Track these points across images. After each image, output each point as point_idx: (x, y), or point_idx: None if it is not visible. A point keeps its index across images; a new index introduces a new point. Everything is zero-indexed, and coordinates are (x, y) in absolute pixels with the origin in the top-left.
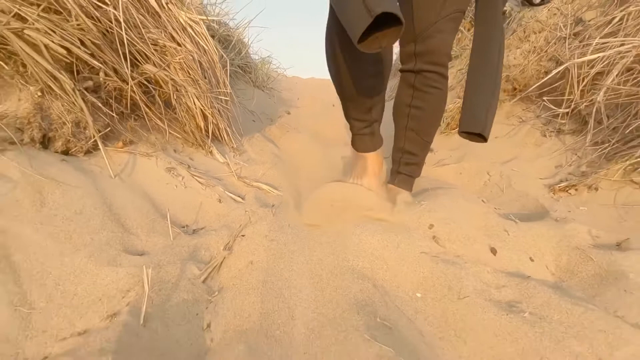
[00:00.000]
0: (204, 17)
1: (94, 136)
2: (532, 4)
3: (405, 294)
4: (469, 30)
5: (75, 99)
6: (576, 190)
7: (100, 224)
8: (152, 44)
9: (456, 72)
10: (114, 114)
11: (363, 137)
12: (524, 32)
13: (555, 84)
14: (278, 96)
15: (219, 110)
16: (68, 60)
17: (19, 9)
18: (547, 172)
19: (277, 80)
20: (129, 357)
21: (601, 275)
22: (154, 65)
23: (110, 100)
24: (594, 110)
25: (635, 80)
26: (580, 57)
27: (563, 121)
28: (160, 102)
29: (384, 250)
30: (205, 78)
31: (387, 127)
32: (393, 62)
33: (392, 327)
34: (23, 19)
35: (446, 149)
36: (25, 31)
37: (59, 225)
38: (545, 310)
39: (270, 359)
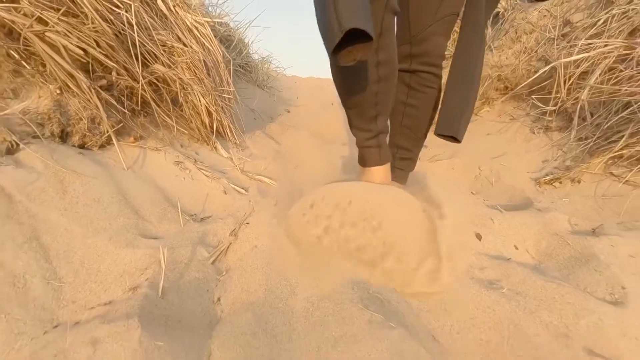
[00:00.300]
0: (209, 19)
1: (107, 131)
2: (537, 0)
3: None
4: None
5: (90, 97)
6: (560, 183)
7: (117, 210)
8: (161, 45)
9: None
10: (126, 111)
11: (369, 149)
12: (516, 32)
13: (544, 83)
14: (278, 95)
15: (222, 108)
16: (84, 60)
17: (40, 13)
18: (535, 167)
19: (276, 80)
20: (151, 321)
21: (576, 258)
22: (163, 64)
23: (122, 98)
24: (578, 107)
25: (617, 79)
26: (567, 57)
27: (550, 118)
28: (168, 100)
29: None
30: (209, 77)
31: None
32: None
33: (384, 300)
34: (44, 22)
35: (439, 145)
36: (46, 33)
37: (80, 211)
38: (522, 287)
39: (274, 326)
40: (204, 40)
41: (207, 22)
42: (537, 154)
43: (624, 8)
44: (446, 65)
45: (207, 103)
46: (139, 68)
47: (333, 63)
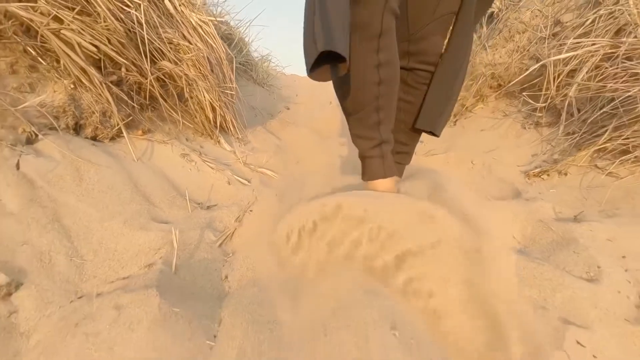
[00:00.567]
0: (213, 18)
1: (118, 124)
2: None
3: None
4: None
5: (102, 91)
6: (548, 175)
7: (129, 197)
8: (167, 43)
9: None
10: (135, 105)
11: (371, 160)
12: (509, 32)
13: (535, 81)
14: (277, 93)
15: (225, 104)
16: (96, 57)
17: (57, 12)
18: (525, 160)
19: (276, 78)
20: (167, 292)
21: (558, 242)
22: (170, 61)
23: (131, 93)
24: (566, 104)
25: (603, 77)
26: (556, 56)
27: (540, 114)
28: (174, 95)
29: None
30: (213, 73)
31: None
32: None
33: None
34: (60, 21)
35: (434, 140)
36: (62, 31)
37: (96, 197)
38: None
39: (277, 294)
40: (207, 38)
41: (211, 20)
42: (527, 149)
43: (611, 8)
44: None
45: (211, 99)
46: (147, 64)
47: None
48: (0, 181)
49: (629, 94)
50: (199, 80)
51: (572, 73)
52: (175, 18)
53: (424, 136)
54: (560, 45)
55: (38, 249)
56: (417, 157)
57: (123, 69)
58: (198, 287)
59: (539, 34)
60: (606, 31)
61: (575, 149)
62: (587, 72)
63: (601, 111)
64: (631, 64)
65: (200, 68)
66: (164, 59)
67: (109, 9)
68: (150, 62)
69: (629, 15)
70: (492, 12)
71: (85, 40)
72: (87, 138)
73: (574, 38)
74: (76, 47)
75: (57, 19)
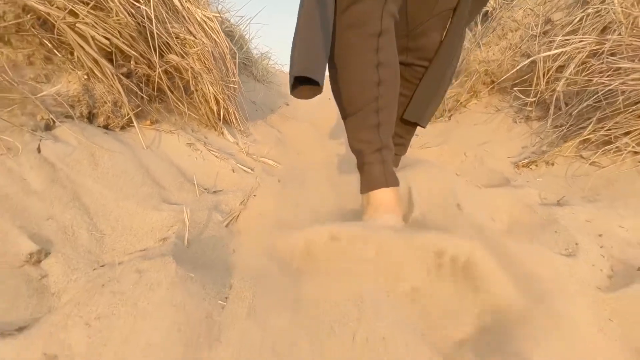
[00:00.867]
0: (217, 14)
1: (128, 114)
2: None
3: None
4: None
5: (113, 82)
6: (536, 165)
7: (141, 181)
8: (175, 37)
9: None
10: (144, 96)
11: (371, 166)
12: (502, 30)
13: (526, 77)
14: (277, 89)
15: (228, 97)
16: (108, 50)
17: (72, 7)
18: (515, 152)
19: (275, 75)
20: (181, 261)
21: (541, 224)
22: (176, 55)
23: (140, 85)
24: (554, 98)
25: (589, 72)
26: (546, 52)
27: (530, 109)
28: (181, 87)
29: None
30: (217, 67)
31: None
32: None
33: None
34: (75, 15)
35: (430, 134)
36: (77, 25)
37: (111, 180)
38: (493, 245)
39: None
40: (212, 34)
41: (215, 16)
42: (517, 141)
43: (598, 7)
44: None
45: (215, 91)
46: (156, 57)
47: (330, 63)
48: (24, 163)
49: (610, 87)
50: (204, 73)
51: (561, 69)
52: (182, 14)
53: (419, 130)
54: (550, 42)
55: (62, 224)
56: (413, 149)
57: (132, 62)
58: (209, 259)
59: (530, 32)
60: (593, 29)
61: (562, 140)
62: (574, 68)
63: (586, 104)
64: (614, 59)
65: (205, 62)
66: (171, 53)
67: (121, 4)
68: (159, 56)
69: (614, 13)
70: (487, 11)
71: (98, 34)
72: (99, 126)
73: (563, 35)
74: (90, 40)
75: (72, 13)
